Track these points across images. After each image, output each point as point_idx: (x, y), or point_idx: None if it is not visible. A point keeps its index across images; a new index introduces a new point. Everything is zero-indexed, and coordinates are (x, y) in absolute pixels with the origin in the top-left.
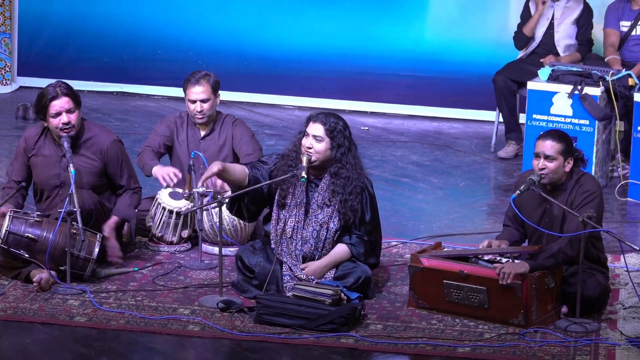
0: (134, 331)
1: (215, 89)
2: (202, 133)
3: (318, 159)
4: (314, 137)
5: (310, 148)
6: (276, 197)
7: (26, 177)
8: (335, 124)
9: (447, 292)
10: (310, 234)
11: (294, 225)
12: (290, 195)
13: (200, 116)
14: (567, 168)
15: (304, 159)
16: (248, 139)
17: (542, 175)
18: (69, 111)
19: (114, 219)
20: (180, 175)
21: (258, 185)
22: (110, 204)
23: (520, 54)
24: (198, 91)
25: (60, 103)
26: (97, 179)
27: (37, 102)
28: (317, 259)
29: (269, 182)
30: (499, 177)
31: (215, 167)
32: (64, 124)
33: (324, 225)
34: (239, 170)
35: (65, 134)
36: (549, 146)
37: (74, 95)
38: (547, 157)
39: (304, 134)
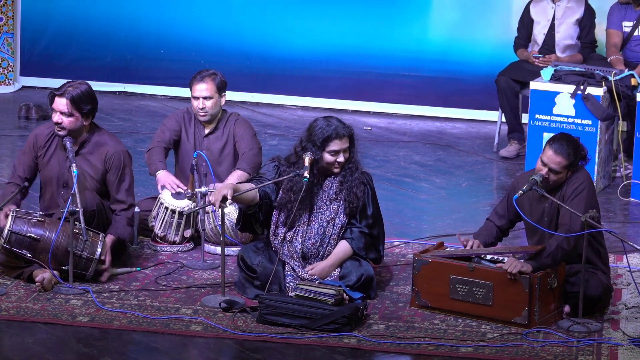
0: (137, 331)
1: (220, 89)
2: (206, 131)
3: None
4: (344, 150)
5: (340, 160)
6: (278, 200)
7: (31, 174)
8: (352, 129)
9: (452, 288)
10: (316, 230)
11: (295, 228)
12: (295, 201)
13: (203, 113)
14: (569, 174)
15: (307, 159)
16: (249, 138)
17: (545, 181)
18: (63, 113)
19: (110, 238)
20: (182, 187)
21: (260, 186)
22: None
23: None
24: (202, 88)
25: (59, 102)
26: (99, 185)
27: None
28: (321, 255)
29: (271, 181)
30: (501, 177)
31: (225, 190)
32: (55, 122)
33: (330, 222)
34: (248, 187)
35: (58, 133)
36: (557, 161)
37: (77, 101)
38: (552, 170)
39: (325, 151)
